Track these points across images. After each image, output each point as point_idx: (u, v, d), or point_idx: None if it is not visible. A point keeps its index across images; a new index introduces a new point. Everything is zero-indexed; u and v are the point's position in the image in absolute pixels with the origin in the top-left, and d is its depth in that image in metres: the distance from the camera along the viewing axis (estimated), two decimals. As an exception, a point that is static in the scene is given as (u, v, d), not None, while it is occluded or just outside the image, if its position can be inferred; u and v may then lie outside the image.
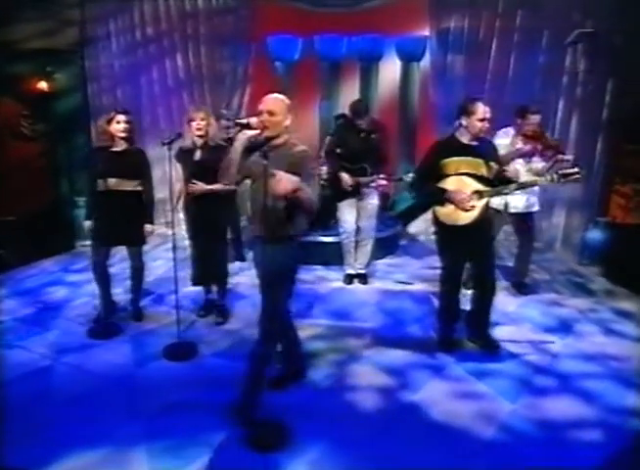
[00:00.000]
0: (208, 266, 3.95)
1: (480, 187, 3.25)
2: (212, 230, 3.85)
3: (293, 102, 2.74)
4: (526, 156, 4.11)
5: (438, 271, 5.11)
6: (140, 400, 2.93)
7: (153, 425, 2.71)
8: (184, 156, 3.77)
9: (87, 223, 3.79)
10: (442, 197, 3.28)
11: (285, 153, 2.61)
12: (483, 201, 3.27)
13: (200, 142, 3.73)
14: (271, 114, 2.59)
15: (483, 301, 3.53)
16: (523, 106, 4.20)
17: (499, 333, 3.73)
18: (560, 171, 3.19)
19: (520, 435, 2.67)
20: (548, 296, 4.57)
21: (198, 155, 3.75)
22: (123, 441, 2.57)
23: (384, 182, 4.51)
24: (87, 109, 6.35)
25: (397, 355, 3.47)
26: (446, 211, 3.32)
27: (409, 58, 6.96)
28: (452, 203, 3.27)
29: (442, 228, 3.42)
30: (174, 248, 3.57)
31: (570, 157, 4.02)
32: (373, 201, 4.72)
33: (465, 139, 3.27)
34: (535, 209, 4.42)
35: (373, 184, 4.54)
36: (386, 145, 4.69)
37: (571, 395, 3.03)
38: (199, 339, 3.65)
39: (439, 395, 3.01)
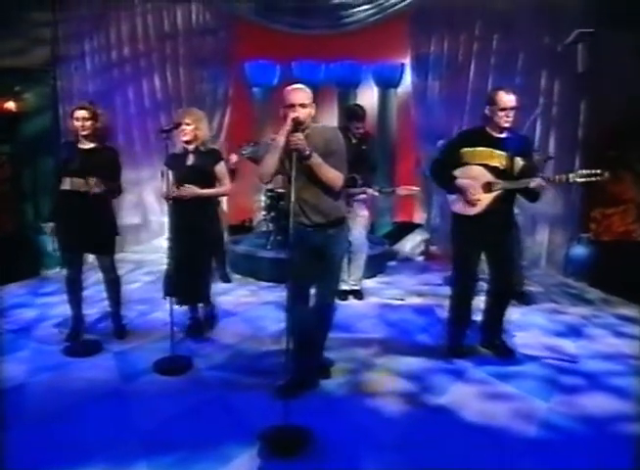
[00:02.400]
0: (188, 280, 3.50)
1: (492, 180, 3.13)
2: (195, 240, 3.47)
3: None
4: None
5: (432, 287, 5.14)
6: (135, 416, 2.55)
7: (153, 440, 2.34)
8: (175, 161, 3.49)
9: (49, 225, 3.39)
10: (453, 186, 3.16)
11: (317, 135, 2.64)
12: (492, 194, 3.14)
13: (190, 147, 3.49)
14: (303, 106, 2.59)
15: (497, 304, 3.37)
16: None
17: (510, 338, 3.56)
18: (579, 172, 3.09)
19: (564, 431, 2.47)
20: (548, 305, 4.47)
21: (190, 159, 3.48)
22: (121, 458, 2.19)
23: (375, 193, 4.38)
24: (57, 130, 6.02)
25: (412, 362, 3.23)
26: (455, 200, 3.20)
27: (386, 84, 7.08)
28: (459, 192, 3.15)
29: (454, 218, 3.29)
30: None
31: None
32: (363, 213, 4.57)
33: (492, 131, 3.12)
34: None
35: (362, 196, 4.41)
36: (375, 156, 4.60)
37: (604, 391, 2.88)
38: (191, 354, 3.29)
39: (468, 397, 2.79)
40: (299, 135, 2.49)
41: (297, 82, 2.77)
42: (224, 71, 6.22)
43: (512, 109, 3.03)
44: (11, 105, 5.66)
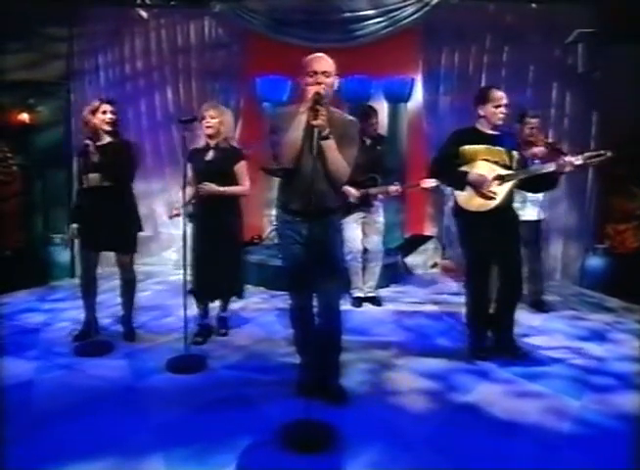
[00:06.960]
0: (215, 278, 3.49)
1: (503, 172, 3.08)
2: (220, 237, 3.44)
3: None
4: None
5: (447, 296, 5.03)
6: (149, 411, 2.45)
7: (169, 434, 2.24)
8: (195, 156, 3.46)
9: (73, 227, 3.39)
10: (464, 181, 3.09)
11: (335, 120, 2.36)
12: (506, 186, 3.08)
13: (212, 142, 3.46)
14: (327, 75, 2.35)
15: (508, 301, 3.25)
16: (521, 111, 4.18)
17: (534, 342, 3.47)
18: (586, 154, 3.02)
19: (601, 426, 2.35)
20: (568, 312, 4.35)
21: (210, 155, 3.44)
22: (137, 450, 2.09)
23: (397, 188, 4.29)
24: (69, 143, 6.05)
25: (433, 363, 3.12)
26: (468, 197, 3.13)
27: (396, 99, 7.12)
28: (473, 187, 3.09)
29: (464, 216, 3.19)
30: (185, 257, 3.20)
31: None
32: (379, 218, 4.51)
33: (485, 128, 3.11)
34: (536, 218, 4.18)
35: (382, 196, 4.36)
36: (390, 157, 4.57)
37: (638, 390, 2.74)
38: (205, 354, 3.19)
39: (496, 395, 2.68)
40: (323, 110, 2.23)
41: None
42: (235, 86, 6.27)
43: (505, 105, 3.06)
44: (24, 117, 5.71)
